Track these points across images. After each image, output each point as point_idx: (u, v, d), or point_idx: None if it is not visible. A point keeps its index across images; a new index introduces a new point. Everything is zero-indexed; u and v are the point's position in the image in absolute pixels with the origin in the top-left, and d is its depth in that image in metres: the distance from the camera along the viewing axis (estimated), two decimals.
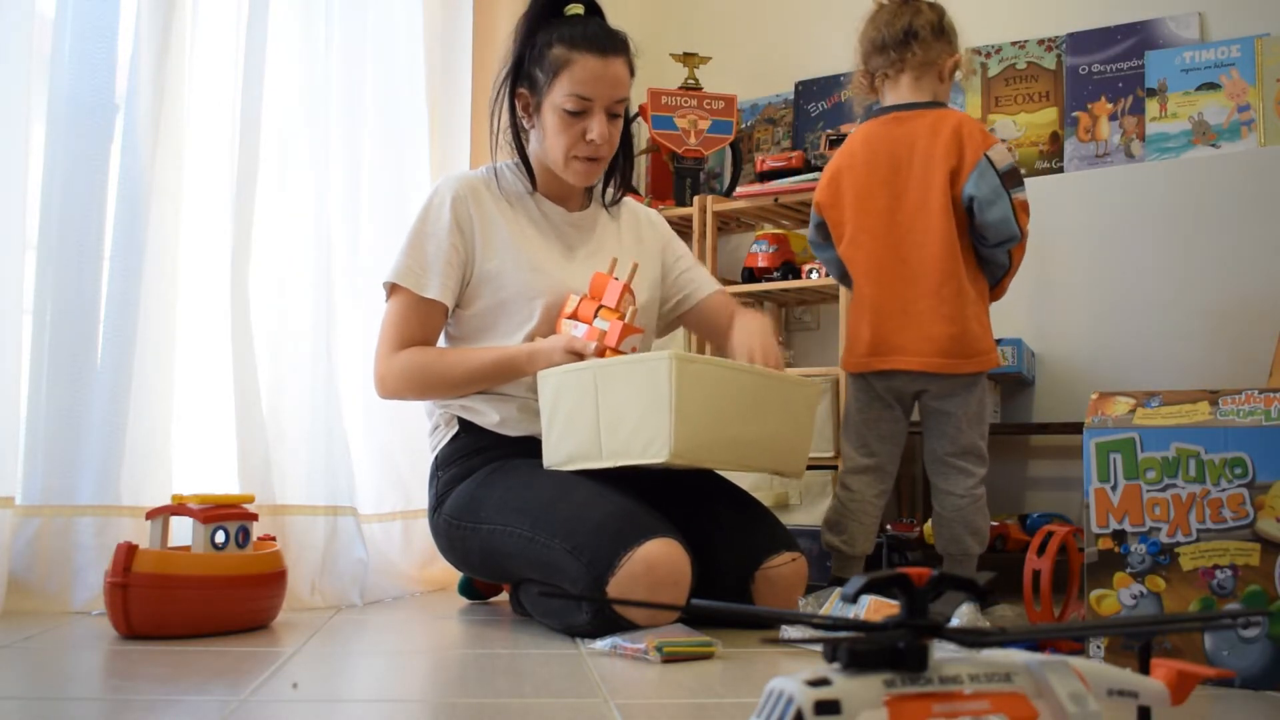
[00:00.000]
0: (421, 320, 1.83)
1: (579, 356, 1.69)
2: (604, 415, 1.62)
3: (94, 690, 1.25)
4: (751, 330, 1.83)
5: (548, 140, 1.85)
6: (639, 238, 2.01)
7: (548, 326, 1.81)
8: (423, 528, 2.23)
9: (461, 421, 1.86)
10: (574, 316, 1.78)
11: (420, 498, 2.23)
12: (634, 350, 1.72)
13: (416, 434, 2.20)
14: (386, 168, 2.31)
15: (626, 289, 1.75)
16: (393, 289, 1.84)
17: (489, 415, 1.83)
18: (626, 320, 1.71)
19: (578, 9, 1.84)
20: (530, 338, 1.81)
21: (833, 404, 2.48)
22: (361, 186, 2.22)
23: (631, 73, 1.86)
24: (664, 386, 1.54)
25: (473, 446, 1.84)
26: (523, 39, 1.86)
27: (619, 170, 1.98)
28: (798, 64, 3.07)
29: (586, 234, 1.94)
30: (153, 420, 1.85)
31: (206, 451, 1.97)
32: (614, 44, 1.82)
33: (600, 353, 1.68)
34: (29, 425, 1.76)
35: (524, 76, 1.86)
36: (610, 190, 2.00)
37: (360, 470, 2.10)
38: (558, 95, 1.80)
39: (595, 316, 1.75)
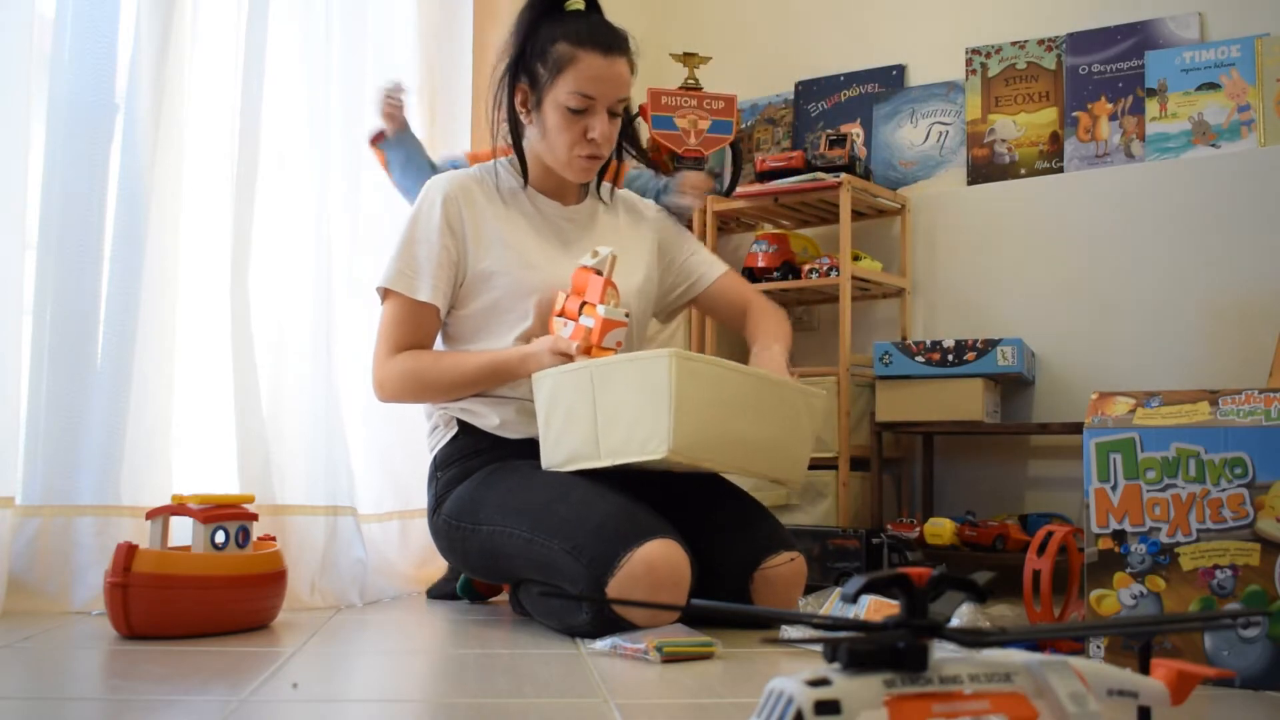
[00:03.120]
0: (415, 324, 1.82)
1: (566, 357, 1.69)
2: (601, 414, 1.62)
3: (94, 690, 1.25)
4: (762, 363, 1.86)
5: (549, 137, 1.84)
6: (637, 230, 2.00)
7: (543, 324, 1.81)
8: (420, 528, 2.23)
9: (460, 423, 1.85)
10: (562, 314, 1.78)
11: (417, 498, 2.23)
12: (619, 345, 1.71)
13: (414, 434, 2.20)
14: None
15: (608, 283, 1.74)
16: (386, 293, 1.83)
17: (489, 418, 1.83)
18: (606, 315, 1.70)
19: (578, 4, 1.84)
20: (526, 336, 1.81)
21: (833, 404, 2.48)
22: (361, 186, 2.22)
23: (633, 71, 1.86)
24: (664, 384, 1.54)
25: (472, 448, 1.83)
26: (524, 33, 1.84)
27: (613, 164, 1.97)
28: (798, 64, 3.07)
29: (583, 228, 1.94)
30: (153, 420, 1.85)
31: (206, 451, 1.97)
32: (618, 43, 1.82)
33: (585, 351, 1.68)
34: (29, 425, 1.76)
35: (524, 71, 1.85)
36: (605, 184, 1.99)
37: (358, 470, 2.10)
38: (561, 93, 1.80)
39: (580, 313, 1.74)
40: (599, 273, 1.75)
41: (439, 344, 1.90)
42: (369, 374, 1.87)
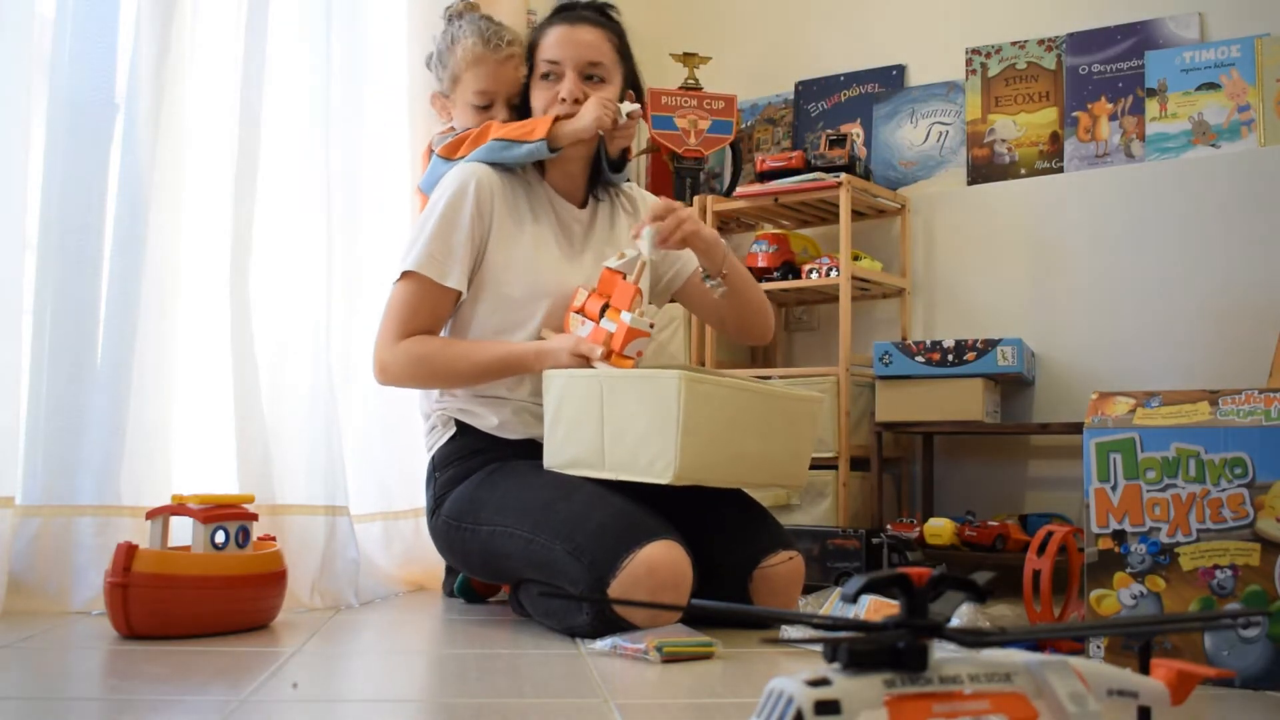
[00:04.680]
0: (433, 308, 1.81)
1: (585, 360, 1.69)
2: (609, 425, 1.62)
3: (94, 690, 1.25)
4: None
5: (534, 112, 1.90)
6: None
7: (550, 326, 1.81)
8: (402, 529, 2.23)
9: (459, 423, 1.85)
10: (581, 311, 1.77)
11: (401, 499, 2.23)
12: (639, 354, 1.71)
13: (400, 434, 2.21)
14: (386, 167, 2.30)
15: (637, 291, 1.73)
16: (404, 275, 1.80)
17: (487, 418, 1.83)
18: (631, 323, 1.70)
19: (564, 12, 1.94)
20: (535, 335, 1.81)
21: (833, 404, 2.48)
22: (362, 186, 2.21)
23: (617, 44, 1.92)
24: (672, 406, 1.54)
25: (471, 448, 1.83)
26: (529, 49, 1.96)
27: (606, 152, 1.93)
28: (798, 64, 3.07)
29: (591, 231, 1.94)
30: (153, 420, 1.85)
31: (206, 451, 1.97)
32: (586, 16, 1.92)
33: (606, 357, 1.67)
34: (29, 425, 1.76)
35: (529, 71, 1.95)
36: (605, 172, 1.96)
37: (346, 471, 2.10)
38: (536, 67, 1.91)
39: (602, 316, 1.73)
40: (628, 277, 1.74)
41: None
42: (370, 360, 1.84)
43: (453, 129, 1.99)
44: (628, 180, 2.03)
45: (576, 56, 1.87)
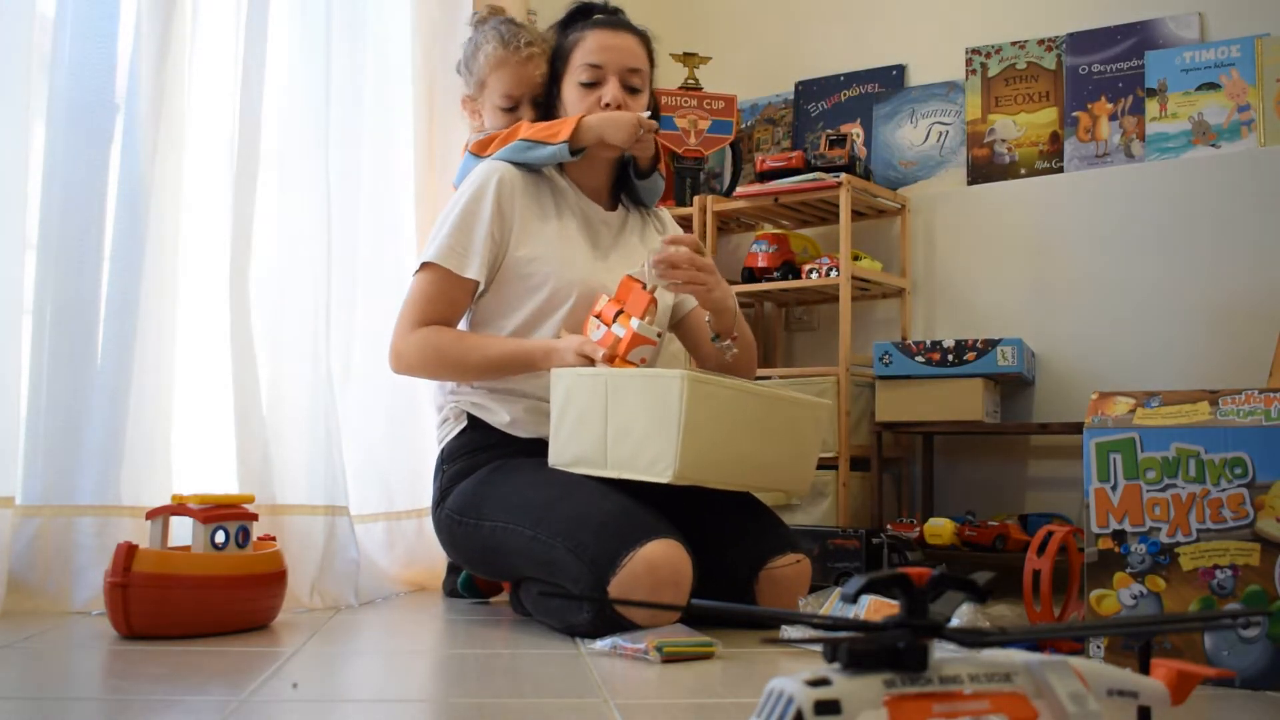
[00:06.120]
0: (451, 300, 1.83)
1: (589, 360, 1.69)
2: (612, 424, 1.62)
3: (94, 690, 1.25)
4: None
5: (571, 113, 1.89)
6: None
7: (571, 323, 1.82)
8: (405, 529, 2.23)
9: (470, 417, 1.86)
10: (599, 316, 1.78)
11: (403, 499, 2.23)
12: (643, 361, 1.71)
13: (404, 435, 2.20)
14: (386, 167, 2.30)
15: (651, 300, 1.74)
16: (424, 266, 1.83)
17: (499, 414, 1.83)
18: (638, 330, 1.70)
19: (600, 16, 1.95)
20: (556, 331, 1.82)
21: (834, 404, 2.48)
22: (361, 186, 2.22)
23: (649, 54, 1.94)
24: (674, 406, 1.55)
25: (480, 443, 1.84)
26: (554, 49, 1.96)
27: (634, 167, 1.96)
28: (798, 64, 3.07)
29: (616, 235, 1.95)
30: (153, 420, 1.85)
31: (206, 451, 1.97)
32: (624, 22, 1.93)
33: (609, 360, 1.68)
34: (29, 425, 1.76)
35: (553, 77, 1.96)
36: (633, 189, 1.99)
37: (347, 471, 2.10)
38: (573, 71, 1.90)
39: (614, 321, 1.74)
40: (645, 285, 1.74)
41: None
42: (372, 356, 1.86)
43: (483, 129, 2.02)
44: (661, 181, 2.03)
45: (620, 63, 1.88)
